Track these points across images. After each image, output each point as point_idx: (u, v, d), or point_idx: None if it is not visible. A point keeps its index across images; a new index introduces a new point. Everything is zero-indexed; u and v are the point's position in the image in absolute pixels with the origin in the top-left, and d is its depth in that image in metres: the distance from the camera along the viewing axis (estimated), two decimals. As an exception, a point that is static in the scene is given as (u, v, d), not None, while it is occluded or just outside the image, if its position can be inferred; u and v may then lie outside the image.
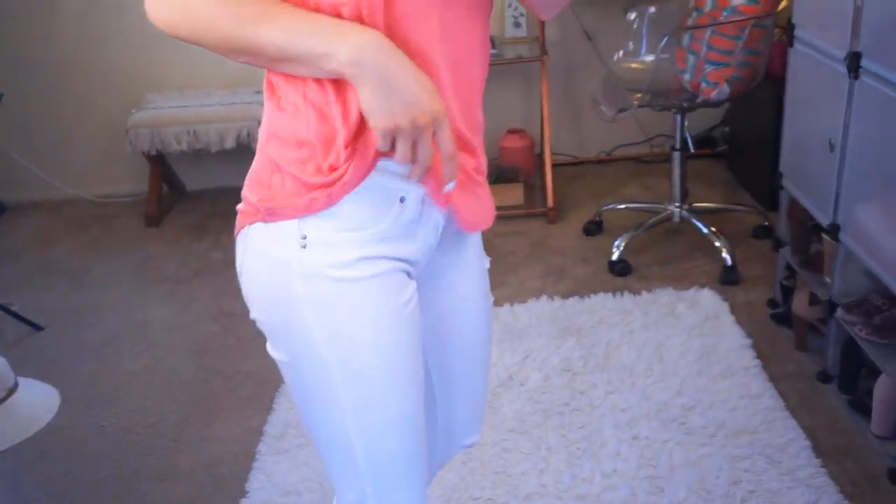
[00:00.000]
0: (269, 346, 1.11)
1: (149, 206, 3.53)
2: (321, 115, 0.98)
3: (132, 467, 2.13)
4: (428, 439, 1.18)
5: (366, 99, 0.91)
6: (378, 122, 0.92)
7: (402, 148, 0.94)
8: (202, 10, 0.91)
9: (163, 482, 2.07)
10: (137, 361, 2.58)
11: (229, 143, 3.37)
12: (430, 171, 0.99)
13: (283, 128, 1.01)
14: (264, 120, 1.05)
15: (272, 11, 0.91)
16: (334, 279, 1.01)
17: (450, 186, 1.00)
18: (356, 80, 0.91)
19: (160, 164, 3.58)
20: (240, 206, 1.08)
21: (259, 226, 1.03)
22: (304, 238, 1.00)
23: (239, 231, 1.08)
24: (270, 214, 1.01)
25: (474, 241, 1.22)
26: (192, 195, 3.83)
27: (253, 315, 1.10)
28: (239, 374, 2.47)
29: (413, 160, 0.95)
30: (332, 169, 0.98)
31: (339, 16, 0.92)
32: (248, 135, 3.36)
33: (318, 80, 0.97)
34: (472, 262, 1.22)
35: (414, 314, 1.09)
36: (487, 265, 1.25)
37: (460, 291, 1.21)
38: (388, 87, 0.90)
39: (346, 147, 0.97)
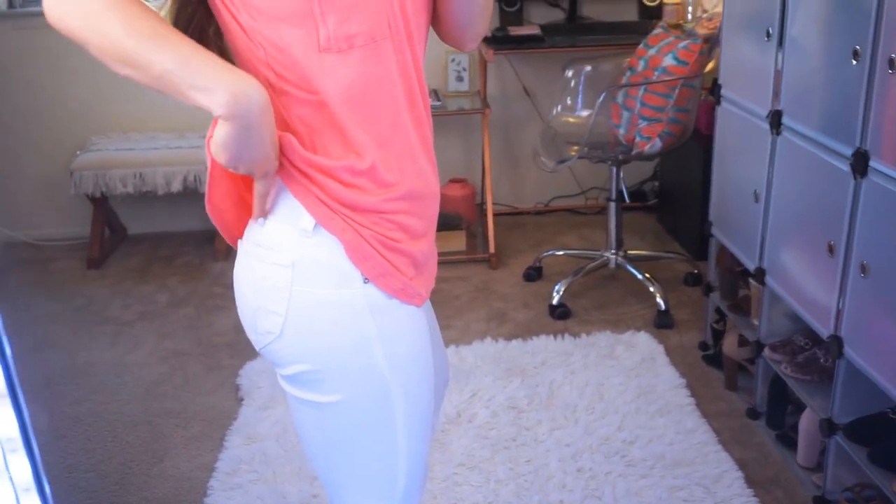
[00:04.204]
0: (307, 394, 1.08)
1: (91, 249, 3.50)
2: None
3: (76, 508, 2.11)
4: None
5: (220, 137, 0.93)
6: (221, 160, 0.96)
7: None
8: (100, 10, 0.89)
9: (110, 521, 2.05)
10: (81, 402, 2.55)
11: (175, 187, 3.39)
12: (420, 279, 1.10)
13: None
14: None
15: (166, 33, 0.91)
16: (394, 306, 1.05)
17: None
18: (222, 120, 0.92)
19: (103, 206, 3.57)
20: (250, 248, 1.07)
21: (309, 275, 1.02)
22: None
23: (247, 274, 1.07)
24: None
25: None
26: (133, 239, 3.82)
27: (294, 371, 1.07)
28: (188, 413, 2.47)
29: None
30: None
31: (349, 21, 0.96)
32: (195, 179, 3.39)
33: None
34: None
35: None
36: None
37: None
38: (245, 139, 0.93)
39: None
